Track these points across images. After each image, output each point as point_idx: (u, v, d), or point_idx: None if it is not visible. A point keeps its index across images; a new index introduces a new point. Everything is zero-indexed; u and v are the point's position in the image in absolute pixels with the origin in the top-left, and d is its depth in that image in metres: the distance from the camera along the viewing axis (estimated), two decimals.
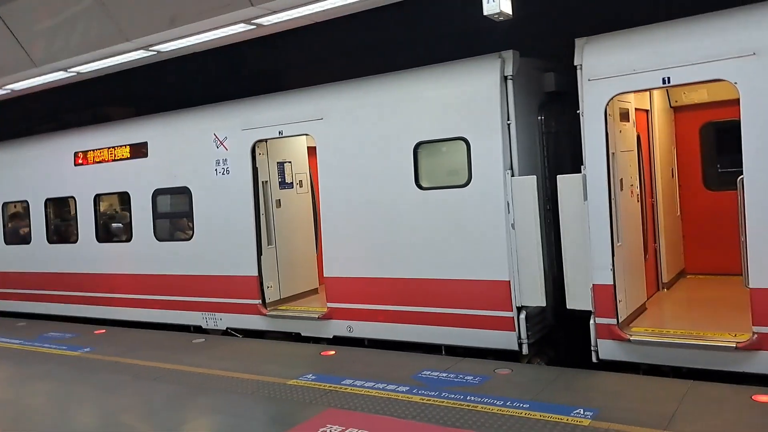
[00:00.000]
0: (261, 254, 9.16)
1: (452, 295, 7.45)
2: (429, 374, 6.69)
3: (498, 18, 6.18)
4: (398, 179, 7.76)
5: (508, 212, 7.03)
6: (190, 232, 9.79)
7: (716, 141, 8.80)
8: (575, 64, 6.57)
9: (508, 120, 7.07)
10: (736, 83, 5.70)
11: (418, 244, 7.65)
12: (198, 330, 9.90)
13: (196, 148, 9.60)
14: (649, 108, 8.15)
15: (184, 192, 9.78)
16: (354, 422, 5.51)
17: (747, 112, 5.67)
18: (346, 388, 6.47)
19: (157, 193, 10.12)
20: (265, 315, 9.11)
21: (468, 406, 5.70)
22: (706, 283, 8.59)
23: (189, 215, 9.79)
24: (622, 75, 6.27)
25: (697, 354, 6.04)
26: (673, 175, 8.88)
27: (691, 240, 9.09)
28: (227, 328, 9.61)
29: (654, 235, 8.22)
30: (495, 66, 7.08)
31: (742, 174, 5.78)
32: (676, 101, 8.95)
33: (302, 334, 8.89)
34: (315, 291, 10.18)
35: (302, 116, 8.56)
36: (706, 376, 5.97)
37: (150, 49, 8.40)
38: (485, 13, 6.08)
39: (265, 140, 9.18)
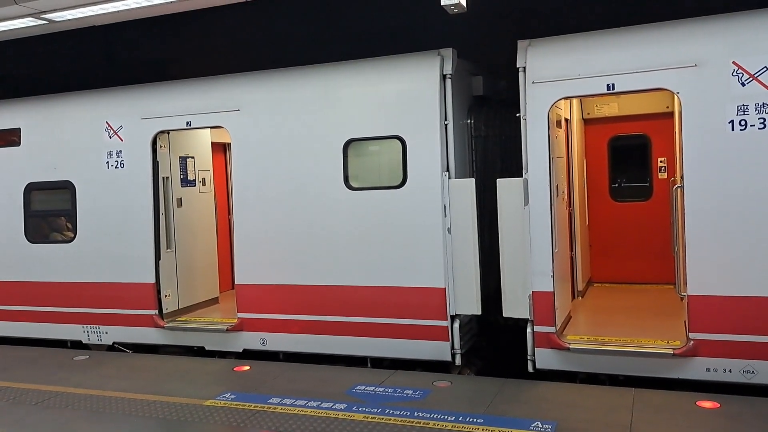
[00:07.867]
0: (159, 259, 8.17)
1: (381, 303, 7.00)
2: (364, 389, 6.17)
3: (453, 10, 5.87)
4: (325, 178, 7.21)
5: (445, 216, 6.73)
6: (72, 233, 8.54)
7: (621, 154, 9.19)
8: (518, 66, 6.42)
9: (446, 120, 6.79)
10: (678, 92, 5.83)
11: (346, 249, 7.14)
12: (77, 346, 8.63)
13: (82, 137, 8.41)
14: (569, 117, 8.27)
15: (66, 187, 8.51)
16: None
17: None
18: (275, 408, 5.78)
19: (31, 187, 8.74)
20: (162, 327, 8.11)
21: (419, 423, 5.26)
22: (614, 292, 8.83)
23: (70, 213, 8.53)
24: (567, 79, 6.21)
25: (635, 361, 6.06)
26: (584, 185, 9.10)
27: (597, 250, 9.38)
28: (114, 343, 8.46)
29: (571, 243, 8.32)
30: (435, 63, 6.77)
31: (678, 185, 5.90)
32: (588, 113, 9.20)
33: (206, 348, 8.01)
34: (215, 300, 9.31)
35: (215, 106, 7.74)
36: (645, 383, 6.00)
37: (41, 17, 7.27)
38: (442, 3, 5.74)
39: (168, 132, 8.23)
